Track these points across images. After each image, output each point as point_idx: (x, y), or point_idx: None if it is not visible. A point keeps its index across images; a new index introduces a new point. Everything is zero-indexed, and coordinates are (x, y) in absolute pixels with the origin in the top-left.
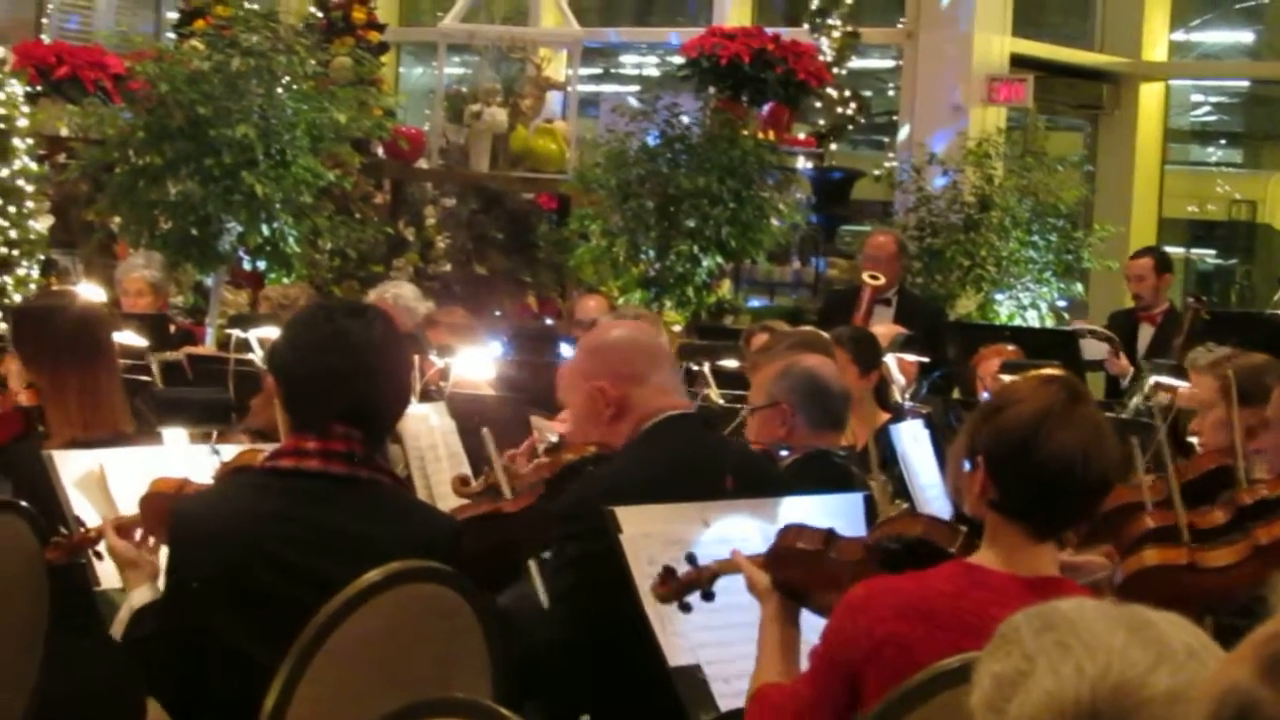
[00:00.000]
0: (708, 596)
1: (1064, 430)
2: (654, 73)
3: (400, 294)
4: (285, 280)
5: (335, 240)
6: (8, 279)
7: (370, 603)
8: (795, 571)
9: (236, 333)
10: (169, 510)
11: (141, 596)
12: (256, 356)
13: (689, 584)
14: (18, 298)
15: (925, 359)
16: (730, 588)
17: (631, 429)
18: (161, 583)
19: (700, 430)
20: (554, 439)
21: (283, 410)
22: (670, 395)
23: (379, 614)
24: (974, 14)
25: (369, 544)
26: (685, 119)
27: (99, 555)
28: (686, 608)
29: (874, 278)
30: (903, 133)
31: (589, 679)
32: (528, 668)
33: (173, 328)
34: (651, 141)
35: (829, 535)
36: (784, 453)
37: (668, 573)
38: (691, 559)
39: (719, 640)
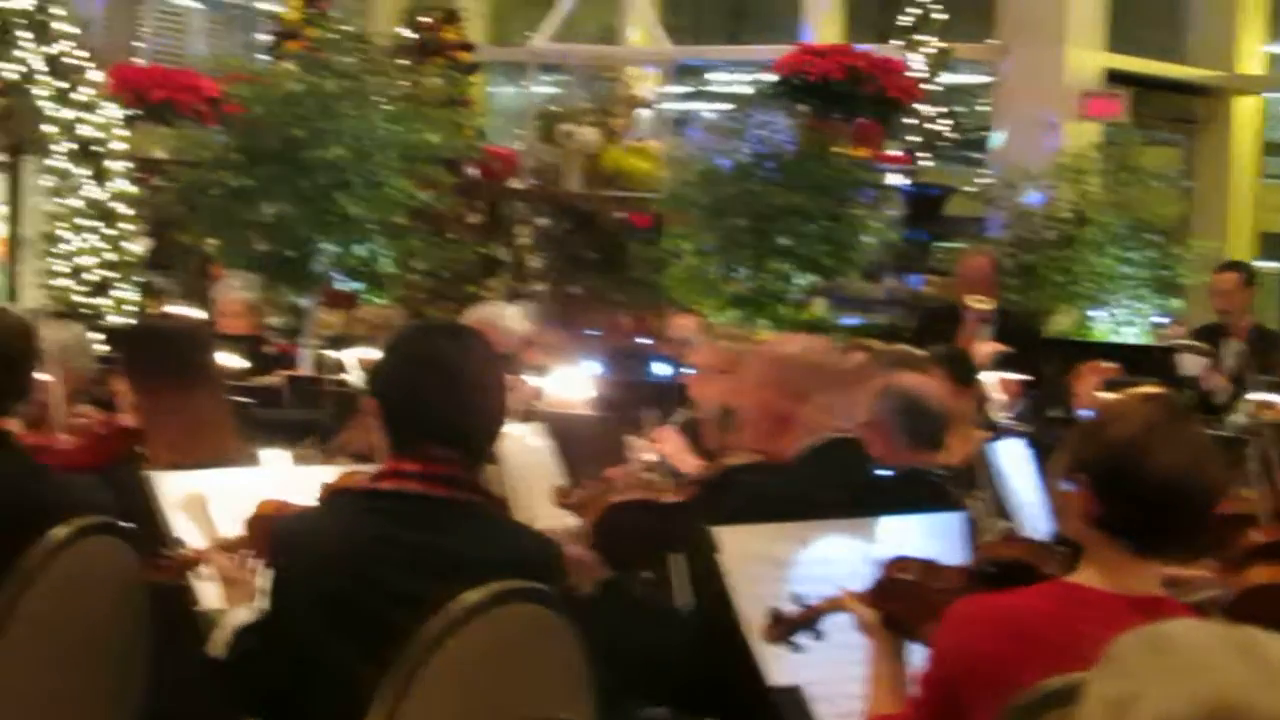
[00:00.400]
0: (816, 635)
1: (1169, 446)
2: (745, 90)
3: (499, 314)
4: (379, 301)
5: (429, 261)
6: (106, 301)
7: (471, 624)
8: (900, 604)
9: (331, 354)
10: (271, 530)
11: (242, 616)
12: (351, 378)
13: (797, 624)
14: (116, 319)
15: (1026, 377)
16: (837, 620)
17: (793, 445)
18: (262, 603)
19: (861, 454)
20: (650, 458)
21: (382, 432)
22: (834, 417)
23: (479, 635)
24: (1066, 29)
25: (469, 565)
26: (778, 136)
27: (198, 575)
28: (796, 647)
29: (979, 301)
30: (995, 148)
31: (719, 687)
32: (654, 667)
33: (267, 349)
34: (744, 159)
35: (930, 565)
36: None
37: (776, 617)
38: (798, 599)
39: (824, 660)
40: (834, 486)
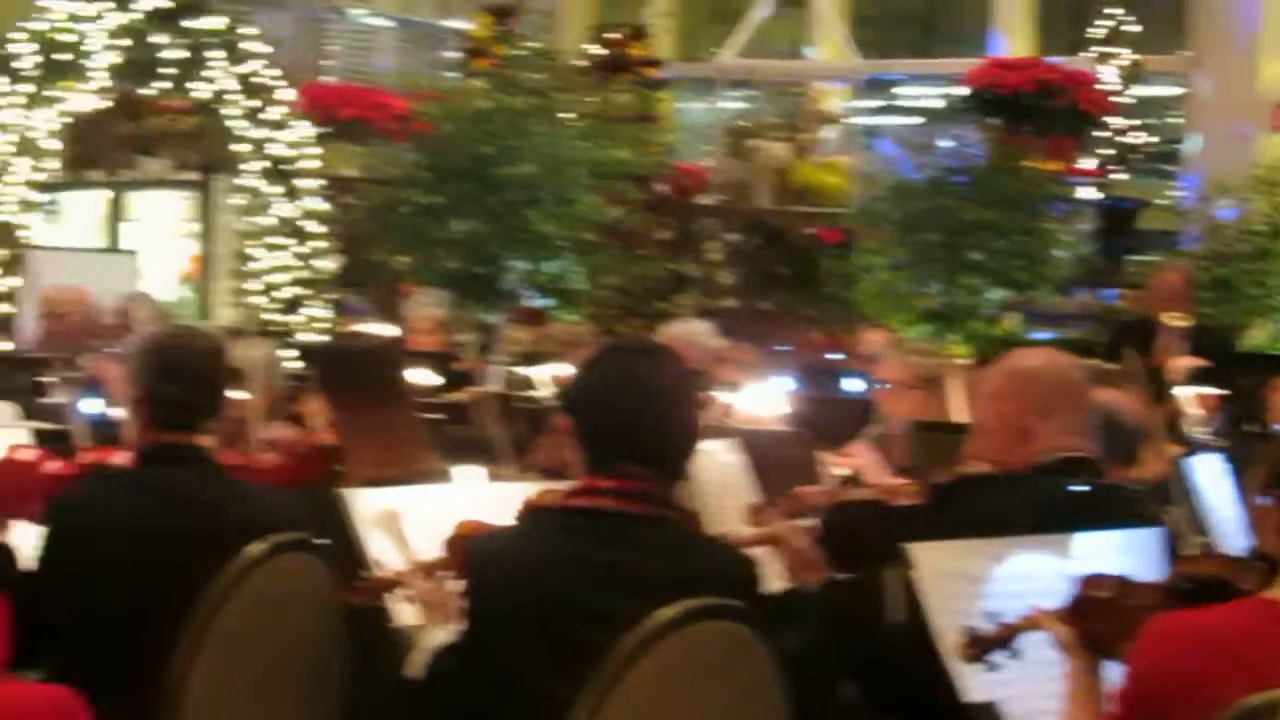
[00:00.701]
0: (1012, 654)
1: None
2: (934, 104)
3: (693, 331)
4: (569, 318)
5: (618, 277)
6: (297, 318)
7: (665, 641)
8: (1096, 621)
9: (521, 370)
10: (467, 549)
11: (440, 636)
12: (542, 394)
13: (993, 643)
14: (308, 336)
15: (1221, 392)
16: (1032, 637)
17: (1029, 459)
18: (460, 624)
19: (1097, 475)
20: (842, 473)
21: (576, 449)
22: (1070, 436)
23: (673, 652)
24: (1260, 40)
25: (664, 582)
26: (968, 150)
27: (395, 597)
28: (992, 666)
29: (1173, 317)
30: (1188, 161)
31: (915, 702)
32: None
33: (457, 366)
34: (934, 173)
35: (1126, 581)
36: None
37: (972, 635)
38: (993, 617)
39: (1021, 678)
40: (1052, 504)
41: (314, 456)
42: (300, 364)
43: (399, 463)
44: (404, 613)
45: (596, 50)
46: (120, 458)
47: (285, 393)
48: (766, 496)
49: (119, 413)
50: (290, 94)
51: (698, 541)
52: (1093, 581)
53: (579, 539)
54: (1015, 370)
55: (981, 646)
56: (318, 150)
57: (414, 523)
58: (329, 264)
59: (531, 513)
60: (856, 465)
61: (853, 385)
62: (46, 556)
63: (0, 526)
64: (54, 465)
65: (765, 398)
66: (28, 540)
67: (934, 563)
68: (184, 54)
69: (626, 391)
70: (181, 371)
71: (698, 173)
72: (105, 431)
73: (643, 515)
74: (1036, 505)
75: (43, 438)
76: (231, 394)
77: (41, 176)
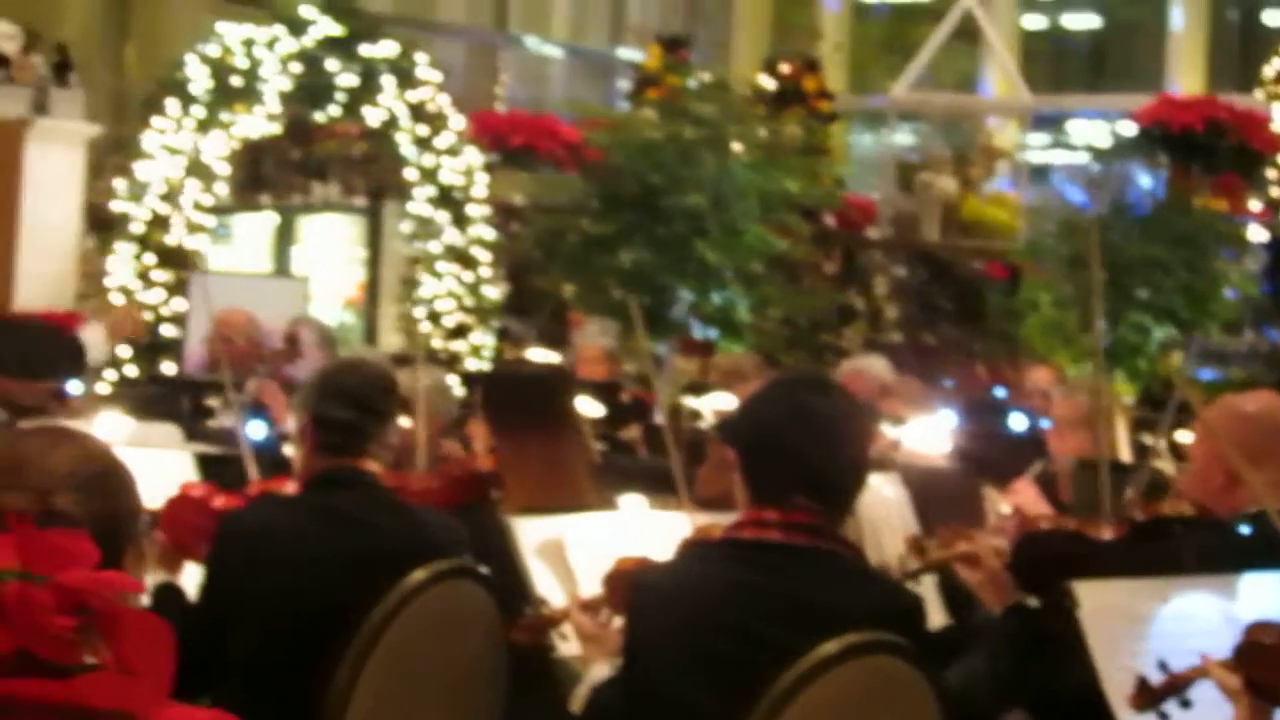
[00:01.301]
0: (1184, 704)
1: None
2: (1104, 140)
3: (868, 365)
4: (735, 349)
5: (785, 309)
6: (462, 345)
7: (827, 674)
8: (1263, 669)
9: (688, 401)
10: (630, 582)
11: (601, 671)
12: (708, 425)
13: (1164, 693)
14: (474, 364)
15: None
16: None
17: (1233, 507)
18: (622, 657)
19: None
20: (1006, 510)
21: (742, 481)
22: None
23: (836, 686)
24: None
25: (828, 615)
26: (1141, 187)
27: (560, 635)
28: (1164, 716)
29: None
30: None
31: None
32: (1047, 708)
33: (624, 396)
34: (1103, 210)
35: None
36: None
37: (1142, 685)
38: (1163, 666)
39: None
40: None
41: (469, 481)
42: (465, 391)
43: (561, 491)
44: (566, 645)
45: (768, 82)
46: (290, 488)
47: (451, 419)
48: (928, 531)
49: (284, 436)
50: (461, 121)
51: (863, 575)
52: (1259, 628)
53: (744, 570)
54: (1232, 413)
55: (1151, 696)
56: (487, 177)
57: (577, 551)
58: (495, 291)
59: (695, 544)
60: (1019, 502)
61: (1018, 422)
62: (212, 582)
63: (174, 566)
64: (222, 501)
65: (930, 432)
66: (195, 581)
67: (1098, 601)
68: (356, 80)
69: (795, 424)
70: (349, 397)
71: (866, 206)
72: (269, 456)
73: (809, 548)
74: (1231, 553)
75: (205, 461)
76: (398, 421)
77: (211, 200)
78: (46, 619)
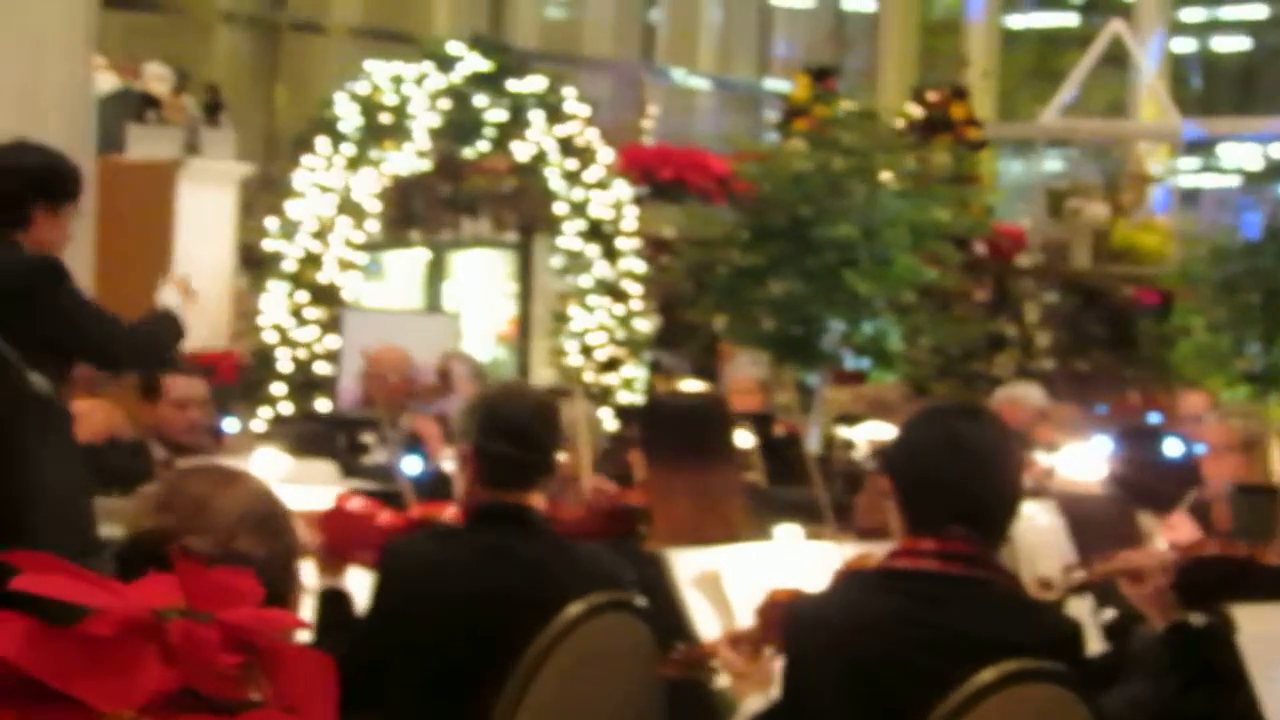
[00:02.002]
0: None
1: None
2: (1256, 163)
3: (1022, 393)
4: (887, 378)
5: (936, 337)
6: (614, 378)
7: (985, 703)
8: None
9: (840, 432)
10: (786, 613)
11: (755, 704)
12: (861, 456)
13: None
14: (626, 396)
15: None
16: None
17: None
18: (778, 690)
19: None
20: (1162, 545)
21: (898, 511)
22: None
23: (994, 714)
24: None
25: (987, 644)
26: None
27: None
28: None
29: None
30: None
31: None
32: None
33: (776, 428)
34: (1254, 235)
35: None
36: None
37: None
38: None
39: None
40: None
41: (617, 515)
42: (618, 424)
43: (715, 524)
44: (720, 679)
45: (916, 110)
46: (450, 513)
47: (605, 452)
48: (1083, 559)
49: (443, 469)
50: (609, 154)
51: (1022, 604)
52: None
53: (901, 600)
54: None
55: None
56: (636, 210)
57: (733, 583)
58: (646, 324)
59: (851, 574)
60: (1177, 538)
61: (1172, 448)
62: (376, 617)
63: (335, 571)
64: (386, 516)
65: (1085, 460)
66: (361, 586)
67: (1258, 626)
68: (504, 115)
69: (950, 453)
70: (512, 428)
71: (1016, 233)
72: (427, 490)
73: (966, 577)
74: None
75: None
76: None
77: (362, 237)
78: (212, 656)
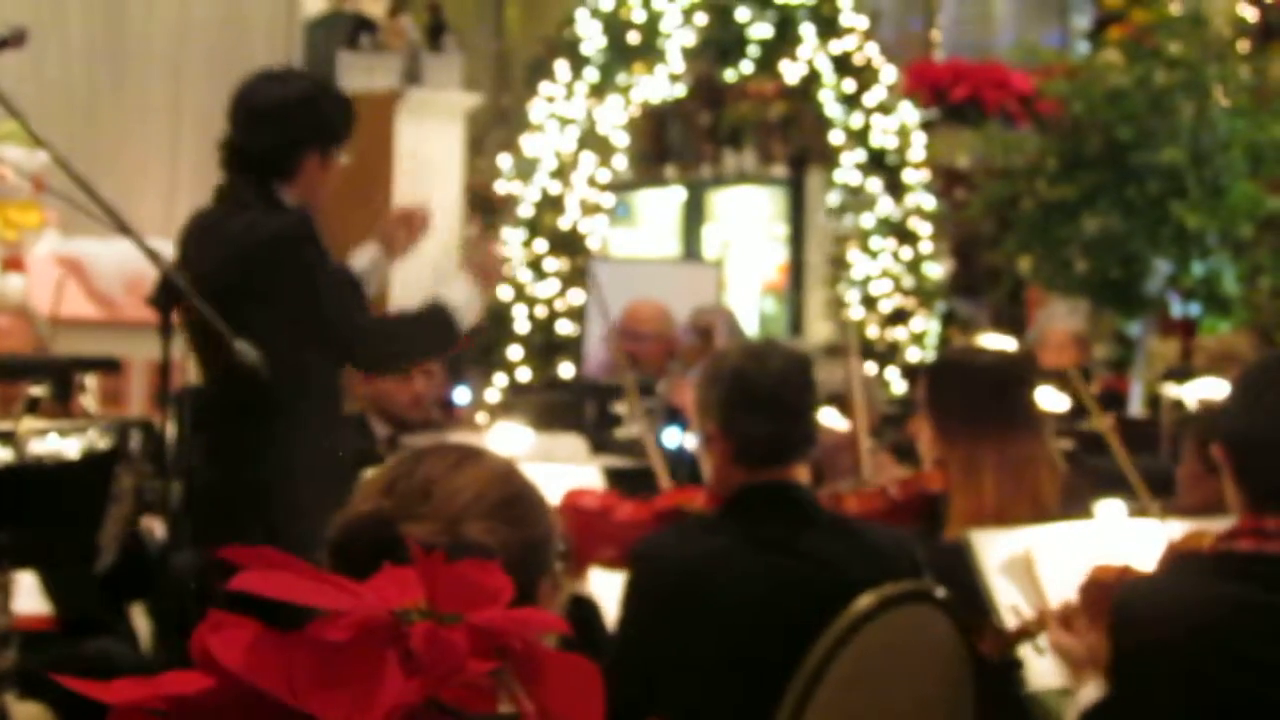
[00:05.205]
0: None
1: None
2: None
3: None
4: (1222, 327)
5: (1278, 279)
6: (902, 333)
7: None
8: None
9: (1169, 390)
10: (1115, 597)
11: (1090, 695)
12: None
13: None
14: (915, 353)
15: None
16: None
17: None
18: (1109, 680)
19: None
20: None
21: (1234, 484)
22: None
23: None
24: None
25: None
26: None
27: (1036, 648)
28: None
29: None
30: None
31: None
32: None
33: (1095, 385)
34: None
35: None
36: None
37: None
38: None
39: None
40: None
41: (914, 505)
42: (907, 387)
43: (1023, 500)
44: (1040, 675)
45: (1250, 12)
46: (701, 498)
47: (889, 420)
48: None
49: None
50: (893, 73)
51: None
52: None
53: (1242, 585)
54: None
55: None
56: (925, 137)
57: (1048, 567)
58: (939, 269)
59: (1182, 555)
60: None
61: None
62: (633, 626)
63: (577, 573)
64: (625, 510)
65: None
66: (606, 589)
67: None
68: (770, 31)
69: None
70: (764, 402)
71: None
72: (688, 466)
73: None
74: None
75: (616, 476)
76: (827, 421)
77: (609, 176)
78: (460, 664)
